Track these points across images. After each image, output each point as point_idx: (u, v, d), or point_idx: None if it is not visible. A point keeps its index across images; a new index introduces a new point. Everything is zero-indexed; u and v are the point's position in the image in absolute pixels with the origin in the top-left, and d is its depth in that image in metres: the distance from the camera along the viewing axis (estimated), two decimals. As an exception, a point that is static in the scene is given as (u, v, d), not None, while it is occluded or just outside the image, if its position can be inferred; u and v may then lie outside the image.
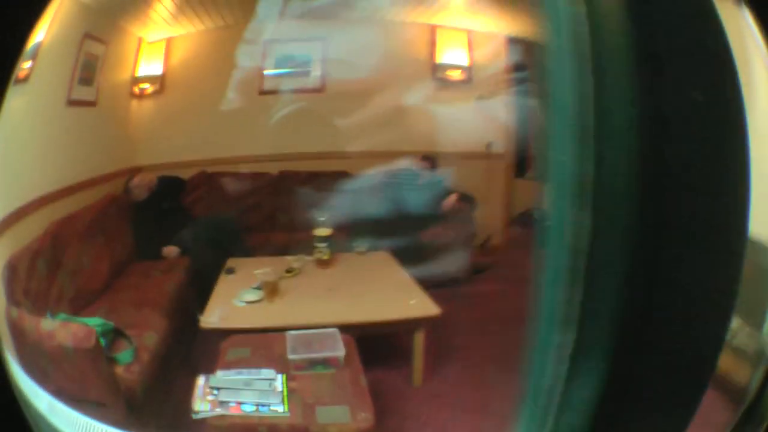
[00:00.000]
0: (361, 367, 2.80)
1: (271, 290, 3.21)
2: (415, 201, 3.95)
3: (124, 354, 2.71)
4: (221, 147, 4.08)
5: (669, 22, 1.06)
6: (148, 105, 3.84)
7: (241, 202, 3.95)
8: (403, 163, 4.23)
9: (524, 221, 4.88)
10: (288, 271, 3.45)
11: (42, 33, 2.64)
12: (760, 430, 1.43)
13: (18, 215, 2.84)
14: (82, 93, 3.27)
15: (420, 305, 3.27)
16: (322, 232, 3.62)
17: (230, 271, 3.49)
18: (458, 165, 4.44)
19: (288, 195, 4.06)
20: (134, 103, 3.79)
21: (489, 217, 4.36)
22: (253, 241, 3.81)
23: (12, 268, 2.67)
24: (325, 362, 2.78)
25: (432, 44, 4.49)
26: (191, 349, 3.20)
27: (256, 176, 4.10)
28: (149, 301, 3.19)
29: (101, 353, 2.59)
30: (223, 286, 3.36)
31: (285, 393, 2.48)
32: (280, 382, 2.57)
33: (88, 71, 3.32)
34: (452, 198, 4.14)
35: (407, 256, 3.67)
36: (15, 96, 2.98)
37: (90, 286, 3.31)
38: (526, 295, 3.39)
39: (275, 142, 4.16)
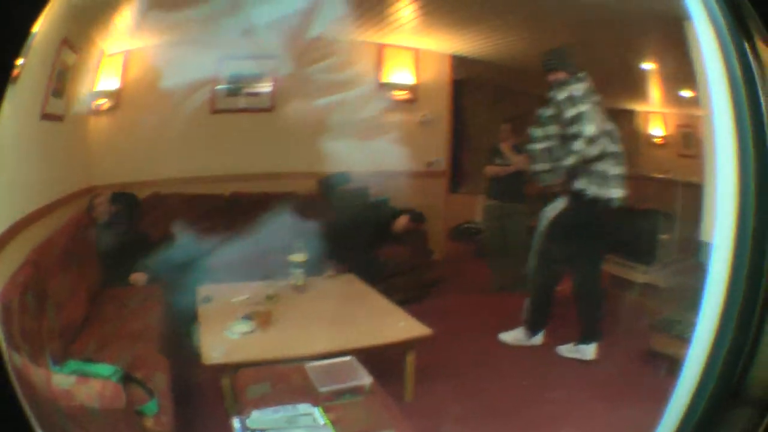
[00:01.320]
0: (383, 390, 2.82)
1: (264, 320, 3.19)
2: (367, 220, 4.00)
3: (149, 405, 2.55)
4: (174, 167, 3.89)
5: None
6: (104, 122, 3.62)
7: (196, 225, 3.79)
8: (353, 184, 4.27)
9: (458, 235, 5.13)
10: (268, 298, 3.39)
11: (38, 27, 2.45)
12: (745, 410, 1.66)
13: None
14: (54, 106, 3.19)
15: (410, 326, 3.39)
16: (298, 257, 3.60)
17: (207, 299, 3.39)
18: (403, 183, 4.54)
19: (240, 217, 3.95)
20: (92, 119, 3.54)
21: (431, 233, 4.53)
22: (215, 265, 3.67)
23: (6, 307, 2.40)
24: (353, 390, 2.76)
25: (379, 63, 4.56)
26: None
27: (207, 198, 3.94)
28: (139, 334, 2.99)
29: (132, 410, 2.39)
30: (207, 316, 3.25)
31: (330, 425, 2.42)
32: (318, 415, 2.50)
33: (60, 82, 3.13)
34: (404, 218, 4.22)
35: (369, 276, 3.73)
36: (7, 100, 2.79)
37: (73, 317, 3.12)
38: (480, 306, 3.60)
39: (226, 162, 4.02)
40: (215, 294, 3.60)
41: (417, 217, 4.73)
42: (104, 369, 2.57)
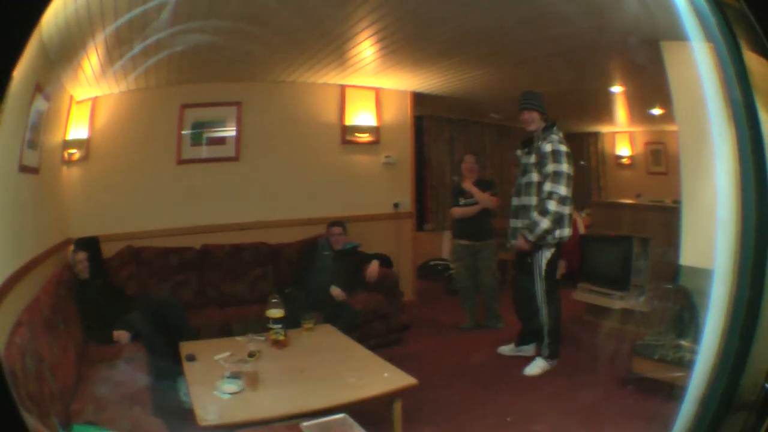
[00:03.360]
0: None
1: (252, 380, 3.54)
2: (338, 269, 4.44)
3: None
4: (144, 220, 4.26)
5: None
6: (76, 173, 3.90)
7: (170, 279, 4.09)
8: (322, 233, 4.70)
9: (427, 273, 5.60)
10: (250, 356, 3.71)
11: (16, 72, 2.73)
12: (741, 415, 1.91)
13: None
14: (30, 158, 3.45)
15: (395, 377, 3.74)
16: (276, 313, 4.08)
17: (191, 358, 3.69)
18: (369, 227, 4.98)
19: (213, 269, 4.28)
20: (65, 170, 3.81)
21: (400, 274, 4.97)
22: (195, 321, 3.96)
23: (12, 371, 2.68)
24: (350, 448, 3.13)
25: (341, 106, 4.99)
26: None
27: (180, 251, 4.25)
28: (132, 397, 3.29)
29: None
30: (194, 375, 3.53)
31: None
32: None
33: (35, 132, 3.39)
34: (375, 265, 4.68)
35: (346, 326, 4.14)
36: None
37: (68, 379, 3.39)
38: (454, 345, 4.10)
39: (195, 214, 4.38)
40: (197, 351, 3.90)
41: (385, 262, 5.13)
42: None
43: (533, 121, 4.65)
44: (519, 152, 4.80)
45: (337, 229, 5.17)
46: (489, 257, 5.52)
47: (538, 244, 4.61)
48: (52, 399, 3.09)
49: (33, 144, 3.50)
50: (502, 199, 6.98)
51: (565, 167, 4.46)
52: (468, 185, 5.36)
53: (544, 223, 4.43)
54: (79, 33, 3.70)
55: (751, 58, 1.88)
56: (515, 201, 4.78)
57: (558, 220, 4.51)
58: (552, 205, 4.40)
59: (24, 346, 3.03)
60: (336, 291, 4.76)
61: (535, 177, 4.57)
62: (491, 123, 8.29)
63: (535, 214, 4.52)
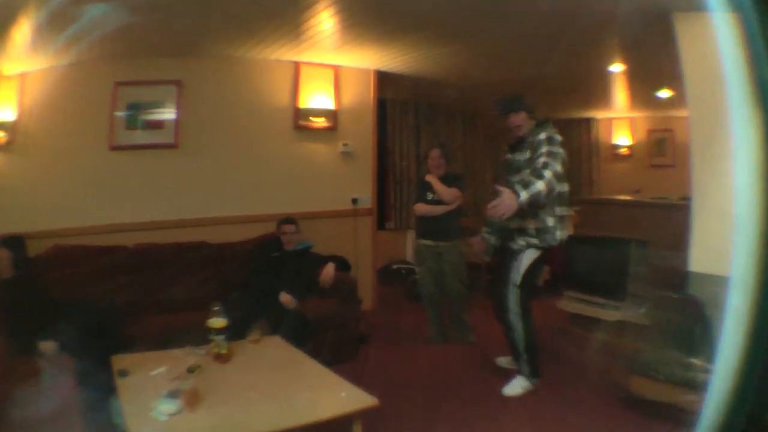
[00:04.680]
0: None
1: (191, 399, 3.35)
2: (289, 272, 4.37)
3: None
4: (73, 215, 4.18)
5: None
6: (0, 159, 3.79)
7: (100, 282, 3.99)
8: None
9: (388, 277, 5.50)
10: (190, 371, 3.59)
11: None
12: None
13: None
14: None
15: (353, 397, 3.61)
16: (218, 323, 3.86)
17: (124, 373, 3.57)
18: (324, 225, 4.92)
19: (148, 272, 4.19)
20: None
21: (358, 278, 4.93)
22: (129, 330, 3.87)
23: None
24: (298, 470, 3.13)
25: (295, 86, 4.89)
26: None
27: (111, 251, 4.16)
28: (62, 420, 3.25)
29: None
30: (128, 394, 3.43)
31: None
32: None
33: None
34: (330, 268, 4.60)
35: (297, 338, 4.07)
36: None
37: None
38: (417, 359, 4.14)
39: (129, 210, 4.31)
40: (131, 365, 3.78)
41: (342, 265, 5.02)
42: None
43: (522, 121, 4.49)
44: (509, 156, 4.62)
45: (289, 227, 5.11)
46: (455, 260, 5.43)
47: (529, 208, 4.23)
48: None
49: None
50: (474, 194, 6.99)
51: (560, 150, 4.24)
52: (432, 179, 5.26)
53: (540, 185, 4.02)
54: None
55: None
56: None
57: (552, 194, 4.18)
58: (547, 173, 4.09)
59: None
60: (285, 297, 4.65)
61: (528, 174, 4.24)
62: (462, 109, 8.30)
63: (527, 174, 4.19)
